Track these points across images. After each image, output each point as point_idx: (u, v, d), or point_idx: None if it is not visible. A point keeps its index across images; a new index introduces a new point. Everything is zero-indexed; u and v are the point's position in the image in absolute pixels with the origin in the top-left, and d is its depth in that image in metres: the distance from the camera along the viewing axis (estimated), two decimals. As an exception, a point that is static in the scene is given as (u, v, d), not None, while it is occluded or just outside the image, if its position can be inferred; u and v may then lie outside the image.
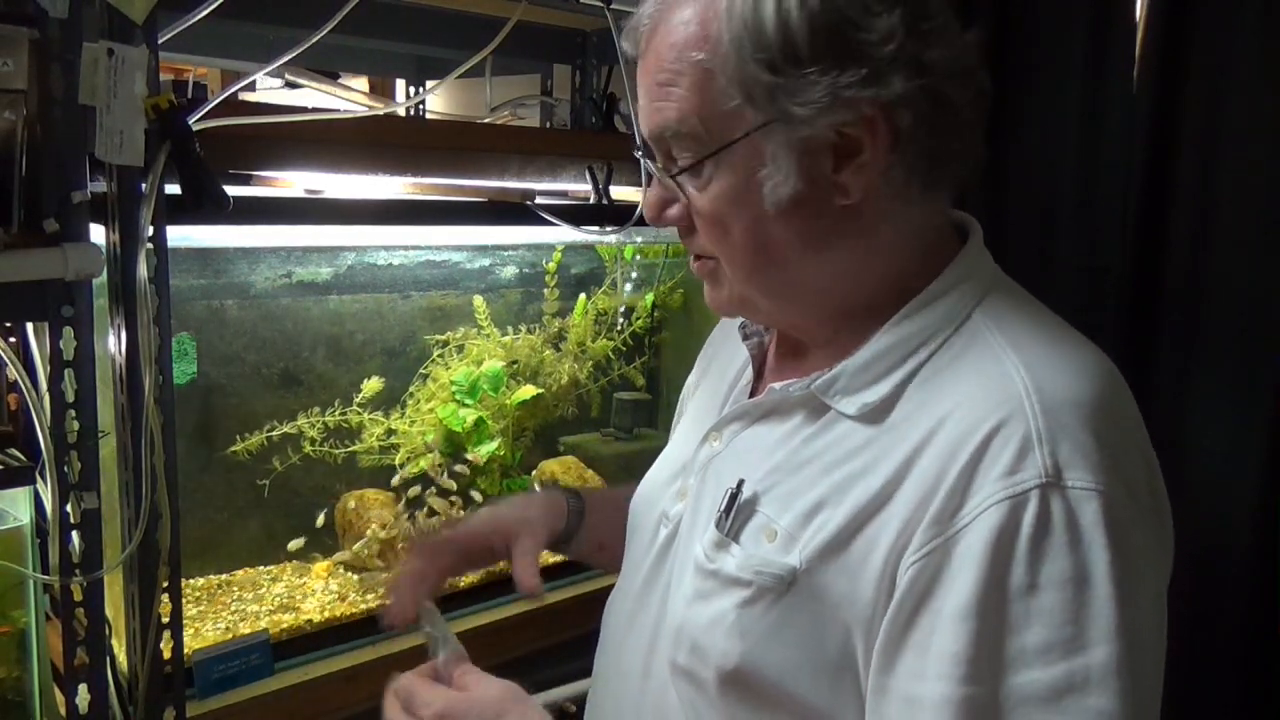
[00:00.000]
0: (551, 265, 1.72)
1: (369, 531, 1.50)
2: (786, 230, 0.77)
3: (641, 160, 0.87)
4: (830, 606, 0.74)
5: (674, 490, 0.92)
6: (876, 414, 0.77)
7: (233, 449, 1.45)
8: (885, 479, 0.74)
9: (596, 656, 0.99)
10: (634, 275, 1.84)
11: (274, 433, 1.47)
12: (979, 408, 0.72)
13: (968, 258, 0.83)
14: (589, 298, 1.80)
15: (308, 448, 1.49)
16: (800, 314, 0.84)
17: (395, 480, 1.58)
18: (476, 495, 1.64)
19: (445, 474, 1.60)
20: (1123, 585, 0.67)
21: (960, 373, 0.76)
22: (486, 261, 1.69)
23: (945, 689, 0.67)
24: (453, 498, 1.60)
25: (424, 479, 1.59)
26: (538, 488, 1.00)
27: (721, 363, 1.01)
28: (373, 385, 1.55)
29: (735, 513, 0.80)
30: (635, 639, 0.90)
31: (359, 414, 1.54)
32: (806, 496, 0.77)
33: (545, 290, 1.74)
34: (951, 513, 0.69)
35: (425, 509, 1.58)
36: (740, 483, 0.81)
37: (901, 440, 0.75)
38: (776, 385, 0.84)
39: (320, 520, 1.54)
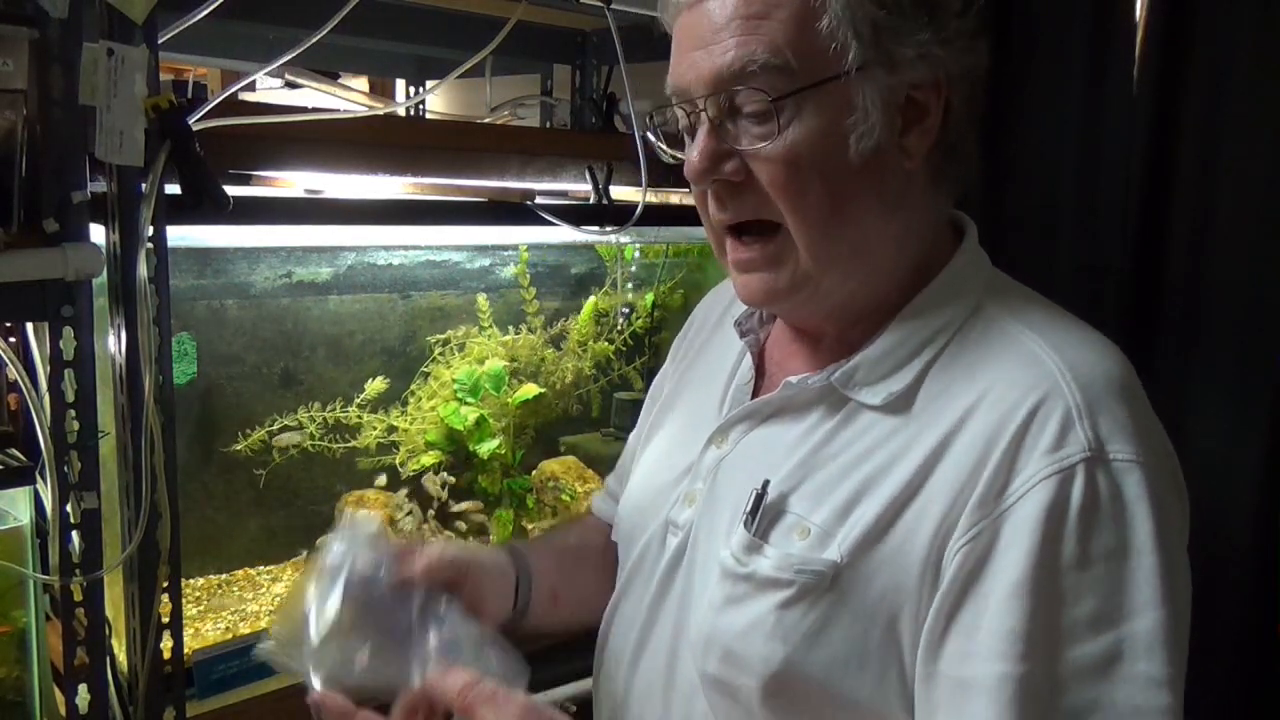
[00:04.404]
0: (520, 267, 1.70)
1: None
2: (864, 188, 0.76)
3: (640, 137, 0.84)
4: (873, 599, 0.73)
5: (678, 496, 0.89)
6: (900, 403, 0.77)
7: (232, 449, 1.45)
8: (917, 466, 0.73)
9: (603, 670, 0.94)
10: (633, 274, 1.83)
11: (274, 426, 1.46)
12: (1014, 389, 0.72)
13: (968, 251, 0.84)
14: (588, 298, 1.80)
15: (308, 443, 1.49)
16: (852, 291, 0.80)
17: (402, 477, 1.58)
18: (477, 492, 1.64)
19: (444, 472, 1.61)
20: (1165, 553, 0.68)
21: (983, 358, 0.76)
22: (486, 261, 1.69)
23: (1000, 668, 0.67)
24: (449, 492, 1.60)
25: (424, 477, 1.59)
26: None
27: (710, 360, 0.98)
28: (377, 386, 1.55)
29: (762, 513, 0.78)
30: (653, 652, 0.87)
31: (358, 413, 1.54)
32: (838, 492, 0.76)
33: (522, 291, 1.72)
34: (998, 492, 0.69)
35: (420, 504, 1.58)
36: (765, 483, 0.79)
37: (929, 427, 0.74)
38: (793, 379, 0.82)
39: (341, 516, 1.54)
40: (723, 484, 0.85)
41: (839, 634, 0.73)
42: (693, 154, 0.77)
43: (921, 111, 0.76)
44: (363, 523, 0.81)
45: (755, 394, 0.90)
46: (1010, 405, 0.72)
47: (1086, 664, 0.67)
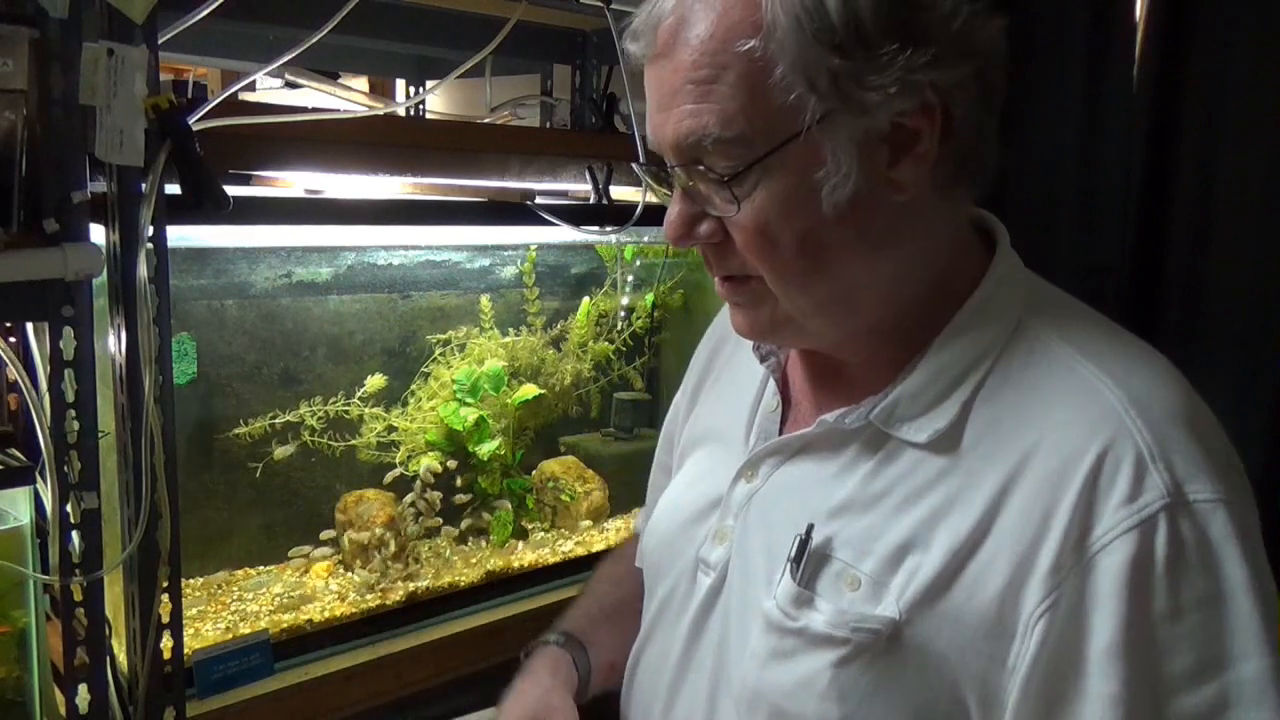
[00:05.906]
0: (526, 266, 1.70)
1: (370, 531, 1.50)
2: (844, 235, 0.70)
3: (642, 173, 0.79)
4: (935, 657, 0.69)
5: (707, 532, 0.85)
6: (946, 441, 0.72)
7: (232, 449, 1.45)
8: (978, 515, 0.69)
9: (631, 715, 0.91)
10: (633, 275, 1.83)
11: (275, 420, 1.46)
12: (1076, 431, 0.68)
13: (1004, 260, 0.79)
14: (589, 298, 1.80)
15: (306, 437, 1.49)
16: (850, 329, 0.76)
17: (388, 478, 1.58)
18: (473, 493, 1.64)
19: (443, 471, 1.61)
20: (1259, 594, 0.64)
21: (1035, 389, 0.71)
22: (486, 261, 1.69)
23: None
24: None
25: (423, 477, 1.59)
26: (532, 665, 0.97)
27: (733, 384, 0.94)
28: (376, 382, 1.55)
29: (806, 560, 0.74)
30: (689, 698, 0.83)
31: (359, 407, 1.54)
32: (887, 538, 0.72)
33: (525, 291, 1.72)
34: (1073, 550, 0.65)
35: (420, 505, 1.58)
36: (810, 527, 0.74)
37: (984, 469, 0.70)
38: (829, 417, 0.77)
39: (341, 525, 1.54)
40: (756, 522, 0.81)
41: (899, 693, 0.69)
42: (670, 214, 0.74)
43: (912, 138, 0.69)
44: None
45: (783, 422, 0.86)
46: (1075, 449, 0.67)
47: (1193, 717, 0.63)
